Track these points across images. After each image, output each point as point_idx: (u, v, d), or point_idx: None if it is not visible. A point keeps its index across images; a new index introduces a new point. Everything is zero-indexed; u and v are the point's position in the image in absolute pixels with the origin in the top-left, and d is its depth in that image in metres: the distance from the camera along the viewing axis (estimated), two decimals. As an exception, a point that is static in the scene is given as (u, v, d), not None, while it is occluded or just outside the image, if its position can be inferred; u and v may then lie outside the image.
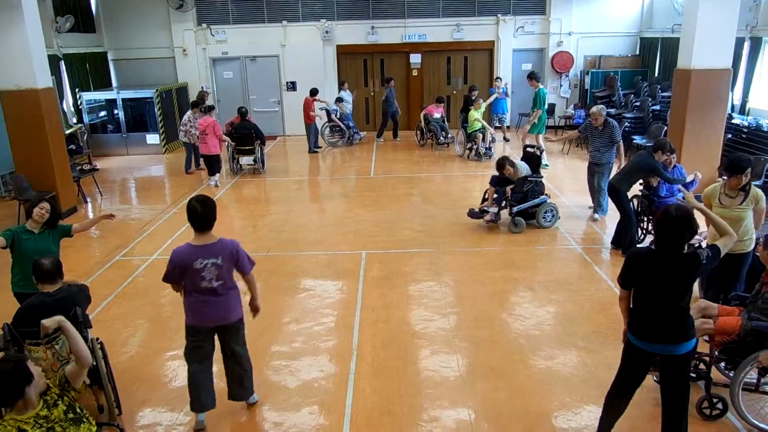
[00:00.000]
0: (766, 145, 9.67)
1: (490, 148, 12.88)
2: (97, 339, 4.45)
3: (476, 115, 12.68)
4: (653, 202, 7.30)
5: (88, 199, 10.65)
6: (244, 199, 10.70)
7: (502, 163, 8.38)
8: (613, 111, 13.94)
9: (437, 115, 14.17)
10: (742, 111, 11.35)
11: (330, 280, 6.90)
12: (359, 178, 11.84)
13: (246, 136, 12.01)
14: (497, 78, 14.74)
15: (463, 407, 4.47)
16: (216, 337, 4.33)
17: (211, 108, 11.70)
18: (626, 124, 12.72)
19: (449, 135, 14.15)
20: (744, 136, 10.29)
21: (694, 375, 4.49)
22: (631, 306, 3.73)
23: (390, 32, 15.92)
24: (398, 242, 8.04)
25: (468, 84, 16.32)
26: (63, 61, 13.60)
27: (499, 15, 15.78)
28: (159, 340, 5.65)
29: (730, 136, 10.38)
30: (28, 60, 8.84)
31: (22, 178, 9.23)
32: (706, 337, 4.38)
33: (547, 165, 11.13)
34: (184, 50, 15.88)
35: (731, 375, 4.15)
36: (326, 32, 15.67)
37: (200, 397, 4.27)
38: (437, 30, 15.92)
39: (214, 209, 4.03)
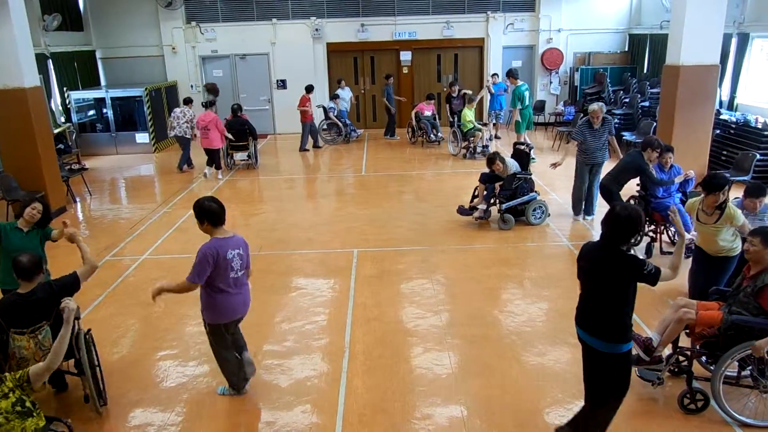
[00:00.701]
0: (753, 141, 9.74)
1: (487, 146, 12.76)
2: (88, 330, 4.54)
3: (469, 115, 12.63)
4: (650, 203, 7.25)
5: (77, 199, 10.57)
6: (236, 197, 10.65)
7: (493, 158, 8.39)
8: (602, 107, 14.00)
9: (428, 113, 14.11)
10: (730, 107, 11.44)
11: (322, 279, 6.89)
12: (351, 176, 11.83)
13: (240, 132, 12.29)
14: (494, 74, 14.73)
15: (456, 404, 4.48)
16: None
17: (212, 103, 12.14)
18: (616, 120, 12.77)
19: (439, 133, 14.10)
20: (732, 131, 10.36)
21: (675, 369, 4.53)
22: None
23: (380, 30, 15.89)
24: (390, 240, 8.03)
25: (458, 81, 16.34)
26: (51, 60, 13.48)
27: (488, 12, 15.79)
28: (149, 340, 5.61)
29: (718, 131, 10.44)
30: (15, 59, 8.75)
31: (10, 177, 9.14)
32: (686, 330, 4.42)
33: (534, 159, 11.16)
34: (174, 48, 15.79)
35: (712, 369, 4.19)
36: (316, 30, 15.62)
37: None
38: (427, 27, 15.91)
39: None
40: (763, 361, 4.05)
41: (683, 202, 7.41)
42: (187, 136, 12.41)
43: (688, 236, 6.89)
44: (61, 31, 13.94)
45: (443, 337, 5.46)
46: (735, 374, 4.23)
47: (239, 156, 12.79)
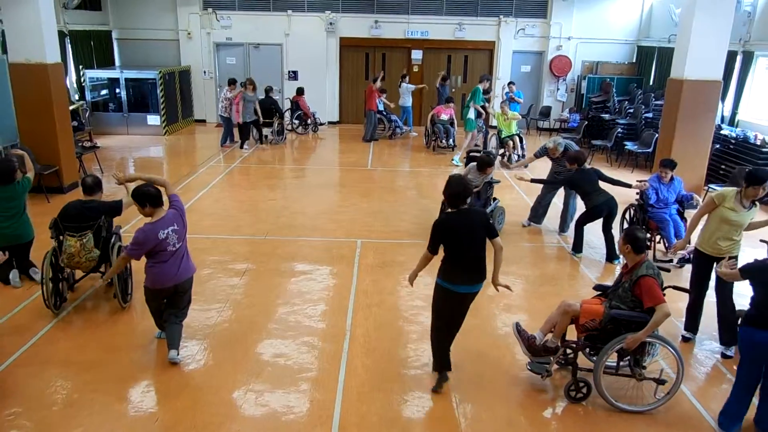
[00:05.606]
0: (751, 156, 9.98)
1: (523, 155, 12.48)
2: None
3: (509, 114, 12.43)
4: (646, 211, 7.49)
5: (89, 176, 10.80)
6: (244, 184, 10.89)
7: (490, 162, 8.06)
8: (607, 117, 14.25)
9: (444, 117, 13.65)
10: (732, 123, 11.67)
11: (325, 265, 7.13)
12: (359, 170, 12.05)
13: (268, 110, 13.95)
14: (510, 83, 14.85)
15: (450, 389, 4.74)
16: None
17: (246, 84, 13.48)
18: (619, 130, 13.03)
19: (451, 140, 13.52)
20: (731, 146, 10.60)
21: (563, 361, 4.87)
22: None
23: (393, 27, 16.13)
24: (393, 233, 8.28)
25: (468, 83, 16.54)
26: (68, 38, 13.70)
27: (500, 16, 16.02)
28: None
29: (718, 146, 10.69)
30: (39, 35, 8.97)
31: (27, 149, 9.35)
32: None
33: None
34: (189, 33, 16.00)
35: (594, 360, 4.48)
36: (330, 24, 15.84)
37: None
38: (439, 28, 16.14)
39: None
40: (637, 352, 4.40)
41: (680, 213, 7.66)
42: (223, 115, 13.52)
43: (690, 246, 6.93)
44: (80, 10, 14.17)
45: (440, 325, 5.71)
46: (615, 364, 4.55)
47: (266, 131, 14.10)
